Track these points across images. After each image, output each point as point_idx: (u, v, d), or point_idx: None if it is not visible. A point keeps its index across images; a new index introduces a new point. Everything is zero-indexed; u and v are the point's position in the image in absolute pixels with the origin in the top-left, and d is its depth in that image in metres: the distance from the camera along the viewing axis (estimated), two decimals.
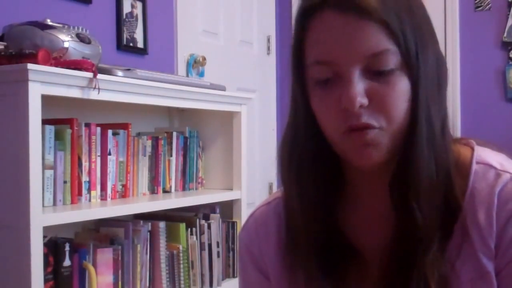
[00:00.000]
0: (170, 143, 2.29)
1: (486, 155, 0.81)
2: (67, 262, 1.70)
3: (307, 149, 0.81)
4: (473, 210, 0.77)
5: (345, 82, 0.73)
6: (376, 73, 0.73)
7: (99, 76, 1.69)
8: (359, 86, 0.72)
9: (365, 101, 0.73)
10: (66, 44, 1.73)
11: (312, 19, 0.76)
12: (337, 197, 0.84)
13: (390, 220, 0.79)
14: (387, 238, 0.79)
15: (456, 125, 3.40)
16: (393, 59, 0.73)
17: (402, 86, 0.73)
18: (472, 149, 0.82)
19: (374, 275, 0.80)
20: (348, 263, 0.82)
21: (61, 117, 1.82)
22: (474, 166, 0.79)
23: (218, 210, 2.38)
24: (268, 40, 3.53)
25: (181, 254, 2.15)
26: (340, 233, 0.83)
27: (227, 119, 2.44)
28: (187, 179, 2.37)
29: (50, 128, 1.72)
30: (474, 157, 0.80)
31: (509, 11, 3.29)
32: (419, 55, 0.74)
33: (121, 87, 1.83)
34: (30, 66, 1.50)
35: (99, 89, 1.69)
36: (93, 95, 1.69)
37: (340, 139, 0.77)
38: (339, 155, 0.80)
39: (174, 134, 2.31)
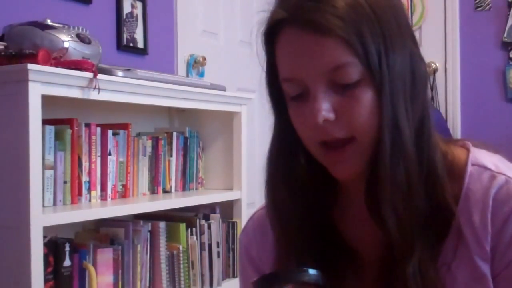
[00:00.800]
0: (170, 143, 2.29)
1: (481, 157, 0.81)
2: (67, 262, 1.70)
3: (296, 154, 0.82)
4: (468, 212, 0.76)
5: (310, 98, 0.75)
6: (341, 87, 0.74)
7: (99, 76, 1.69)
8: (324, 102, 0.73)
9: (331, 115, 0.74)
10: (66, 44, 1.72)
11: (276, 36, 0.77)
12: (332, 198, 0.85)
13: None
14: (379, 237, 0.79)
15: (456, 125, 3.40)
16: (355, 72, 0.73)
17: (367, 97, 0.73)
18: (468, 150, 0.82)
19: (370, 275, 0.80)
20: (345, 263, 0.82)
21: (61, 117, 1.81)
22: (469, 168, 0.79)
23: (218, 210, 2.38)
24: None
25: (181, 254, 2.15)
26: (336, 234, 0.84)
27: (227, 119, 2.44)
28: (187, 179, 2.37)
29: (50, 128, 1.72)
30: (469, 159, 0.80)
31: (509, 11, 3.29)
32: (383, 62, 0.73)
33: (121, 87, 1.83)
34: (30, 66, 1.49)
35: (99, 89, 1.68)
36: (93, 95, 1.69)
37: (316, 152, 0.78)
38: None
39: (174, 134, 2.31)
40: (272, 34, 0.78)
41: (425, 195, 0.76)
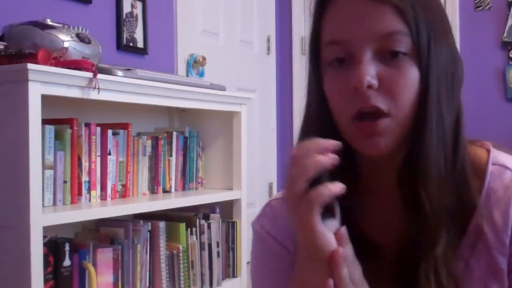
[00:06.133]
0: (170, 143, 2.29)
1: (502, 157, 0.82)
2: (67, 262, 1.70)
3: (326, 134, 0.81)
4: (489, 209, 0.77)
5: (356, 63, 0.75)
6: (388, 57, 0.74)
7: (99, 76, 1.69)
8: (369, 67, 0.74)
9: (374, 82, 0.74)
10: (66, 44, 1.73)
11: (327, 5, 0.78)
12: (352, 188, 0.84)
13: (403, 212, 0.79)
14: (401, 229, 0.79)
15: None
16: (405, 43, 0.74)
17: (412, 74, 0.74)
18: (488, 151, 0.83)
19: (389, 266, 0.81)
20: (363, 254, 0.82)
21: (61, 117, 1.82)
22: (490, 167, 0.80)
23: (218, 210, 2.38)
24: (268, 40, 3.53)
25: (181, 254, 2.15)
26: (354, 225, 0.84)
27: (227, 119, 2.44)
28: (187, 179, 2.37)
29: (50, 128, 1.72)
30: (490, 159, 0.81)
31: (509, 11, 3.29)
32: (431, 47, 0.75)
33: (121, 87, 1.83)
34: (30, 66, 1.50)
35: (99, 89, 1.69)
36: (93, 95, 1.69)
37: (349, 126, 0.77)
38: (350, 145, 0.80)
39: (174, 134, 2.31)
40: (325, 2, 0.79)
41: (454, 189, 0.77)
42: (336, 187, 0.70)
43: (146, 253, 2.02)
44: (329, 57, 0.78)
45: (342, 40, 0.76)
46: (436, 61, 0.75)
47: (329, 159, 0.70)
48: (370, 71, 0.73)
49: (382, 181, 0.82)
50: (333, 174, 0.79)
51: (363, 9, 0.74)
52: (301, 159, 0.70)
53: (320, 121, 0.82)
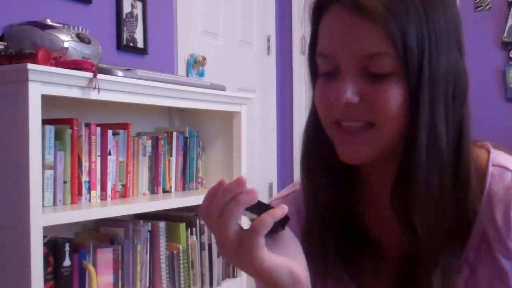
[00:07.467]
0: (170, 143, 2.29)
1: (501, 157, 0.81)
2: (67, 262, 1.70)
3: (324, 139, 0.81)
4: (490, 211, 0.77)
5: (339, 78, 0.75)
6: (372, 75, 0.73)
7: (99, 76, 1.69)
8: (351, 84, 0.73)
9: (354, 99, 0.73)
10: (66, 44, 1.73)
11: (323, 12, 0.78)
12: (355, 187, 0.85)
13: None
14: (402, 239, 0.79)
15: None
16: (389, 63, 0.72)
17: (396, 91, 0.73)
18: (488, 151, 0.82)
19: (389, 266, 0.81)
20: (364, 252, 0.82)
21: (61, 117, 1.82)
22: (491, 169, 0.79)
23: None
24: (268, 40, 3.53)
25: (181, 254, 2.15)
26: (357, 223, 0.84)
27: (227, 119, 2.44)
28: (187, 179, 2.37)
29: (50, 128, 1.72)
30: (491, 160, 0.80)
31: (509, 11, 3.29)
32: (425, 64, 0.72)
33: (121, 87, 1.83)
34: (30, 66, 1.50)
35: (99, 89, 1.69)
36: (93, 95, 1.69)
37: (329, 130, 0.79)
38: None
39: (174, 134, 2.31)
40: (320, 8, 0.78)
41: (455, 203, 0.76)
42: (280, 210, 0.70)
43: (146, 253, 2.02)
44: (320, 67, 0.78)
45: (328, 54, 0.76)
46: (432, 77, 0.73)
47: (249, 196, 0.71)
48: (350, 88, 0.73)
49: (380, 191, 0.82)
50: (334, 174, 0.80)
51: (349, 26, 0.73)
52: (222, 204, 0.73)
53: (315, 121, 0.82)
